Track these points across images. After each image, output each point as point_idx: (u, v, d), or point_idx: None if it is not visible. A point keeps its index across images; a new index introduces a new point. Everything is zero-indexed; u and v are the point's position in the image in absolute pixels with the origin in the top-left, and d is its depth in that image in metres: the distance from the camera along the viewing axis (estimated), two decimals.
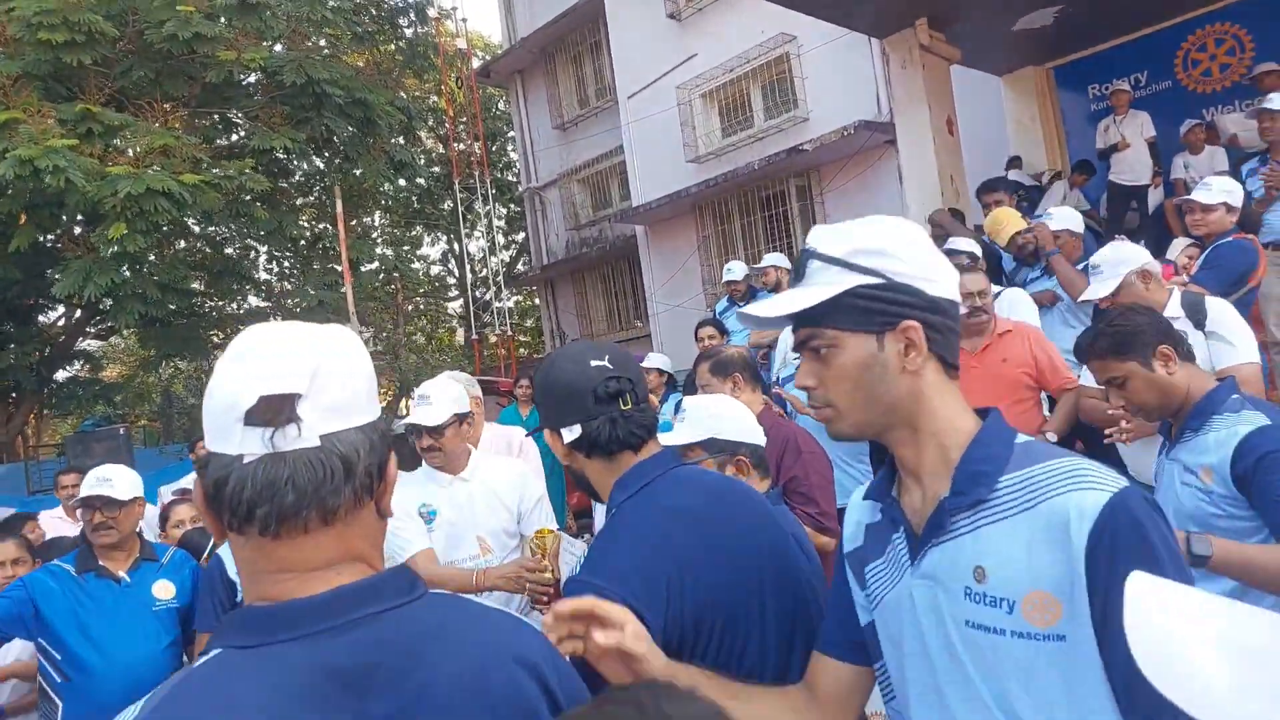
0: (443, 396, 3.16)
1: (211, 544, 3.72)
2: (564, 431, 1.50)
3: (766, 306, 1.21)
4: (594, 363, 1.48)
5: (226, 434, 0.86)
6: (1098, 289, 3.34)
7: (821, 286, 1.14)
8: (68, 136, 8.87)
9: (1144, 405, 2.24)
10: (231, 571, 3.24)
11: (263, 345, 0.89)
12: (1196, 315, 3.17)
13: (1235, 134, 7.20)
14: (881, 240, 1.13)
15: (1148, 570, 0.87)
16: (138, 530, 3.46)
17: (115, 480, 3.23)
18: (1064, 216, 4.64)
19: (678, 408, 2.30)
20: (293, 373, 0.86)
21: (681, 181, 12.10)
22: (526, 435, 4.42)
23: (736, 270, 6.97)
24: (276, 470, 0.85)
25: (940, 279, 1.15)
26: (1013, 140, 8.60)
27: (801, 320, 1.17)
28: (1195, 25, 7.82)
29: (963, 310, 3.66)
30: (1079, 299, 3.96)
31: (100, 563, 3.26)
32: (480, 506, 3.15)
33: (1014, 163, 8.34)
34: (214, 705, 0.81)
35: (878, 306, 1.12)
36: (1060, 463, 1.06)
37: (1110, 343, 2.25)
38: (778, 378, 4.88)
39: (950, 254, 4.66)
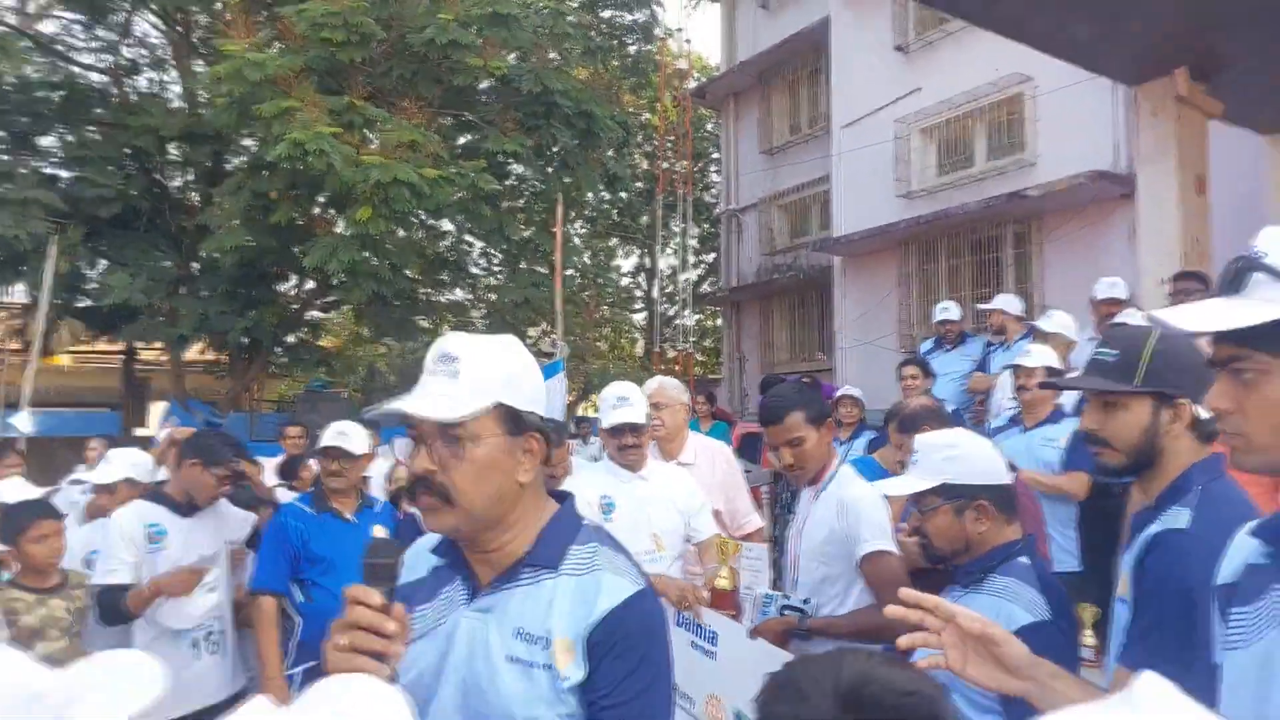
0: (639, 398, 3.41)
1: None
2: (1200, 409, 1.63)
3: (1190, 316, 1.10)
4: None
5: None
6: None
7: (1265, 304, 1.02)
8: (333, 125, 9.87)
9: None
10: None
11: None
12: None
13: None
14: None
15: None
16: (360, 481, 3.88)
17: (350, 435, 3.65)
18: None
19: (870, 445, 2.31)
20: None
21: (888, 216, 11.89)
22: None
23: (953, 310, 6.79)
24: None
25: None
26: (1272, 207, 7.92)
27: (1228, 336, 1.07)
28: None
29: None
30: None
31: (333, 504, 3.67)
32: (656, 505, 3.34)
33: None
34: None
35: None
36: None
37: None
38: (988, 428, 4.76)
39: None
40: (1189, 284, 5.37)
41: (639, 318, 25.06)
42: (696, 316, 23.34)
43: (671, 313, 20.06)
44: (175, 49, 14.03)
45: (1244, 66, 6.46)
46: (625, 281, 24.84)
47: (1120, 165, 9.32)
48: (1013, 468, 3.40)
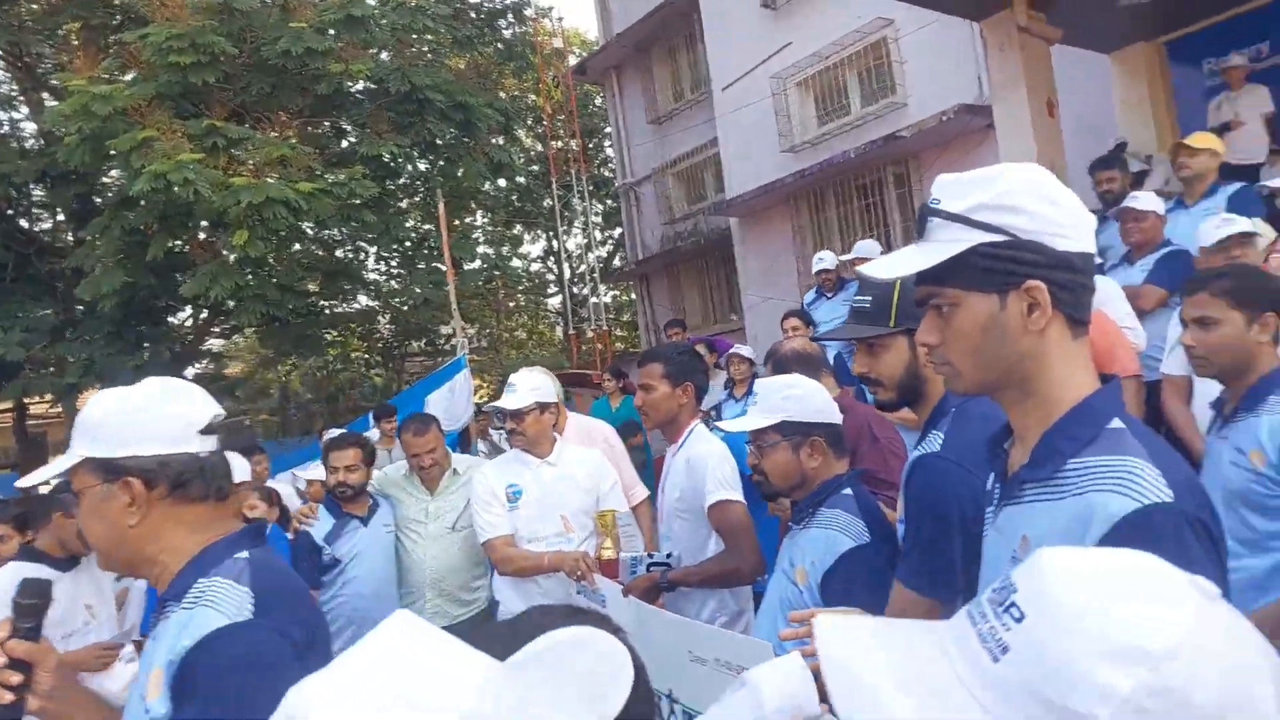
0: (525, 385, 3.41)
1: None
2: None
3: (884, 265, 1.18)
4: None
5: None
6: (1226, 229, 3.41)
7: (943, 244, 1.11)
8: (195, 150, 9.51)
9: (1217, 358, 2.21)
10: (319, 538, 3.76)
11: None
12: None
13: None
14: (1008, 195, 1.08)
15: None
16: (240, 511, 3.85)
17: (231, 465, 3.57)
18: (1148, 200, 4.50)
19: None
20: None
21: (776, 172, 12.05)
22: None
23: (828, 259, 6.96)
24: None
25: (1072, 233, 1.09)
26: (1120, 121, 8.25)
27: (923, 277, 1.14)
28: None
29: None
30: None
31: None
32: (563, 488, 3.39)
33: (1120, 147, 7.99)
34: None
35: (1001, 265, 1.08)
36: (1120, 460, 1.03)
37: (1233, 285, 2.20)
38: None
39: None
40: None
41: (554, 302, 25.00)
42: (612, 293, 23.38)
43: (585, 293, 20.04)
44: (20, 86, 13.35)
45: None
46: (536, 267, 24.71)
47: (984, 97, 9.56)
48: None
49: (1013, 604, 0.63)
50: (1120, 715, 0.57)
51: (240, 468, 3.67)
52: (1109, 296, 4.06)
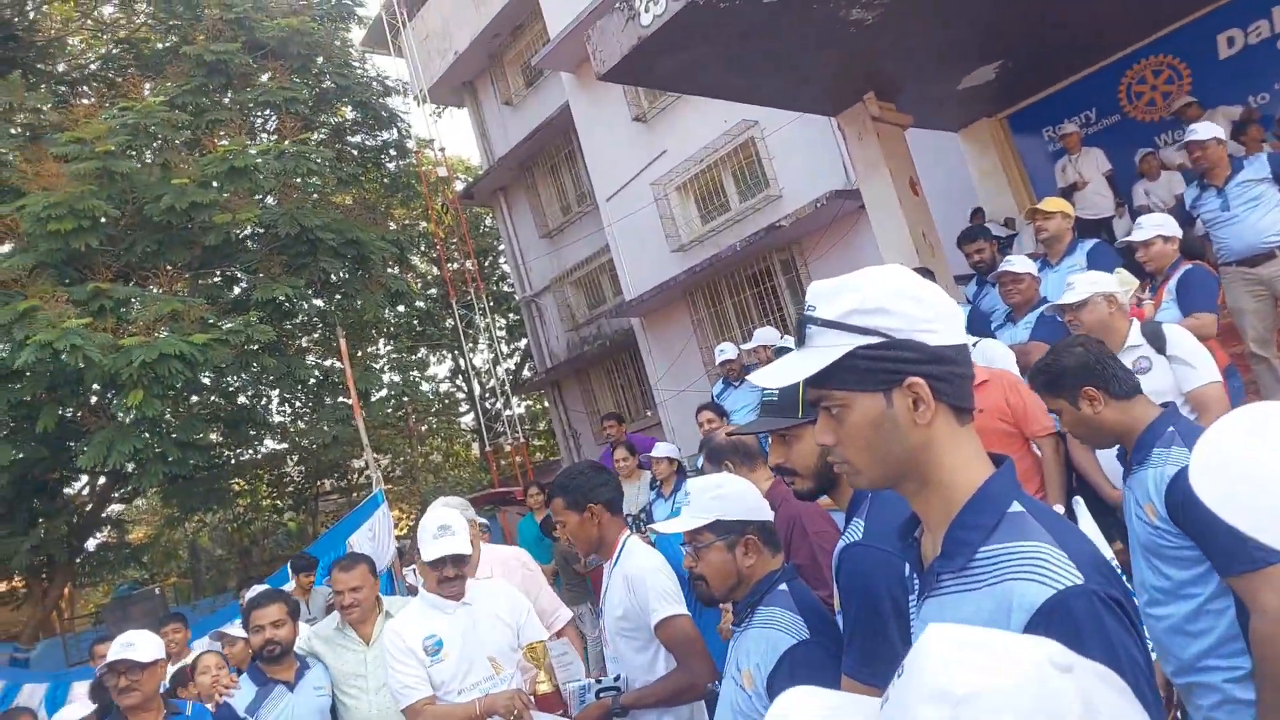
0: (461, 525, 3.31)
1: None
2: None
3: (771, 374, 1.24)
4: None
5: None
6: (1066, 297, 3.60)
7: (823, 350, 1.16)
8: (81, 315, 9.29)
9: (1080, 437, 2.41)
10: (241, 709, 3.54)
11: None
12: (1157, 342, 3.37)
13: (1181, 163, 7.50)
14: (877, 297, 1.14)
15: None
16: (160, 691, 3.62)
17: (138, 644, 3.37)
18: (1022, 263, 4.86)
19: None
20: None
21: (668, 271, 12.47)
22: None
23: (729, 350, 7.20)
24: None
25: (940, 326, 1.15)
26: (979, 190, 8.89)
27: (811, 382, 1.19)
28: (1132, 60, 8.15)
29: None
30: (1048, 306, 4.20)
31: None
32: (485, 628, 3.24)
33: (978, 213, 8.60)
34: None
35: (880, 366, 1.13)
36: (1027, 546, 1.07)
37: (1043, 380, 2.44)
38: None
39: None
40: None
41: (467, 420, 24.78)
42: (525, 403, 23.34)
43: (498, 407, 19.96)
44: None
45: (920, 82, 7.30)
46: (445, 387, 24.54)
47: (853, 182, 10.18)
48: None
49: (901, 666, 0.77)
50: None
51: (153, 644, 3.50)
52: (1000, 357, 4.33)
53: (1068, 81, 8.39)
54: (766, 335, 6.83)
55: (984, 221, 8.32)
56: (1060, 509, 3.62)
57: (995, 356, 4.35)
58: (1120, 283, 4.42)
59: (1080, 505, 2.62)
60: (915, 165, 7.49)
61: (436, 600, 3.27)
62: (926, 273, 6.60)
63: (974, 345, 4.53)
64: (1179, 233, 4.31)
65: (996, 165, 8.89)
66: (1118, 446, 2.40)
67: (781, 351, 6.22)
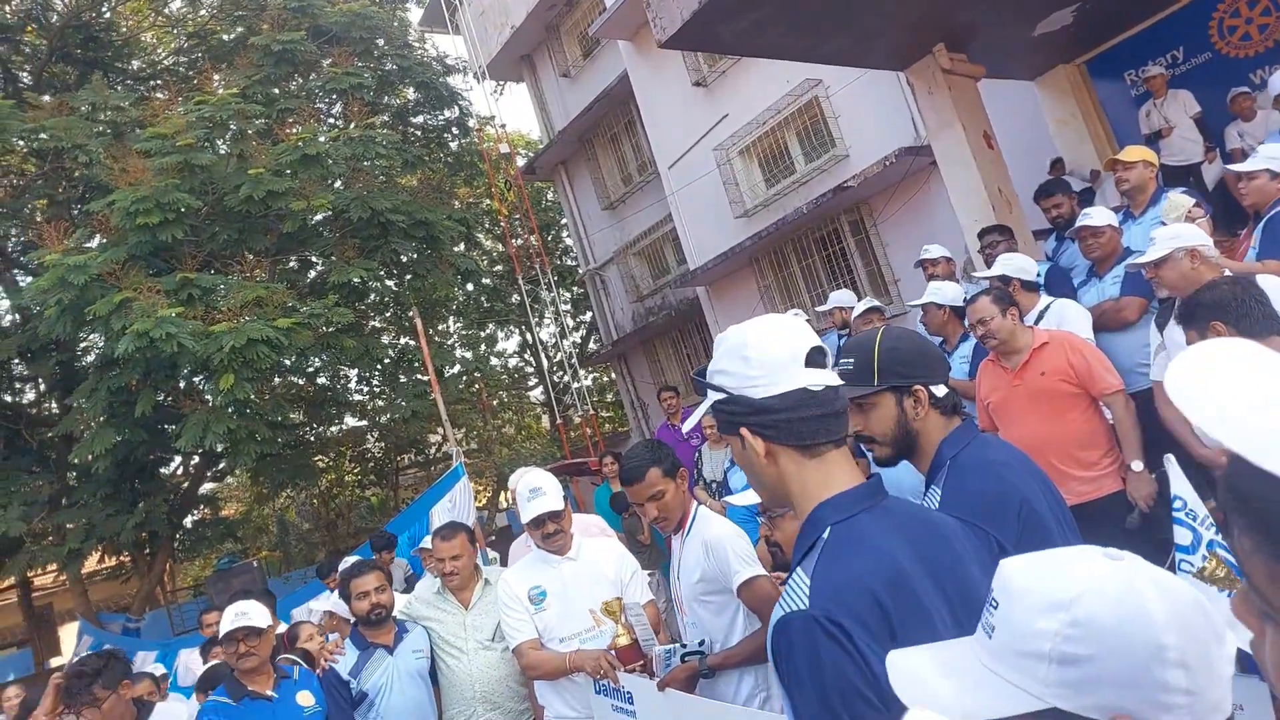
0: (551, 485, 3.48)
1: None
2: (935, 389, 1.86)
3: (692, 418, 1.58)
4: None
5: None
6: (1147, 255, 3.53)
7: (705, 400, 1.42)
8: (173, 305, 9.70)
9: None
10: (345, 673, 3.77)
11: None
12: None
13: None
14: (719, 359, 1.36)
15: (785, 690, 1.15)
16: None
17: (251, 612, 3.61)
18: (1101, 214, 4.69)
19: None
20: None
21: (734, 238, 12.38)
22: None
23: (843, 298, 7.04)
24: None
25: (763, 381, 1.31)
26: (1057, 141, 8.60)
27: (718, 427, 1.48)
28: None
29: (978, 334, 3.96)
30: (1130, 262, 4.09)
31: (250, 687, 3.61)
32: (587, 583, 3.40)
33: (1057, 165, 8.32)
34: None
35: (723, 418, 1.37)
36: (795, 574, 1.24)
37: (1182, 309, 2.52)
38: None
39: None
40: (993, 237, 5.82)
41: (537, 393, 25.12)
42: (593, 375, 23.56)
43: (566, 380, 20.20)
44: None
45: (993, 29, 7.08)
46: (514, 362, 24.91)
47: (922, 138, 9.96)
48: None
49: (992, 599, 0.90)
50: (1058, 646, 0.82)
51: (264, 612, 3.70)
52: (1072, 318, 4.22)
53: (1152, 20, 7.97)
54: (842, 297, 6.73)
55: (1064, 174, 8.03)
56: (1139, 466, 3.56)
57: (1067, 317, 4.26)
58: (1171, 209, 4.26)
59: (1172, 463, 2.56)
60: (989, 118, 7.30)
61: (544, 555, 3.47)
62: (999, 230, 6.42)
63: (1047, 306, 4.46)
64: None
65: (1075, 114, 8.57)
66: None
67: (865, 313, 6.14)
